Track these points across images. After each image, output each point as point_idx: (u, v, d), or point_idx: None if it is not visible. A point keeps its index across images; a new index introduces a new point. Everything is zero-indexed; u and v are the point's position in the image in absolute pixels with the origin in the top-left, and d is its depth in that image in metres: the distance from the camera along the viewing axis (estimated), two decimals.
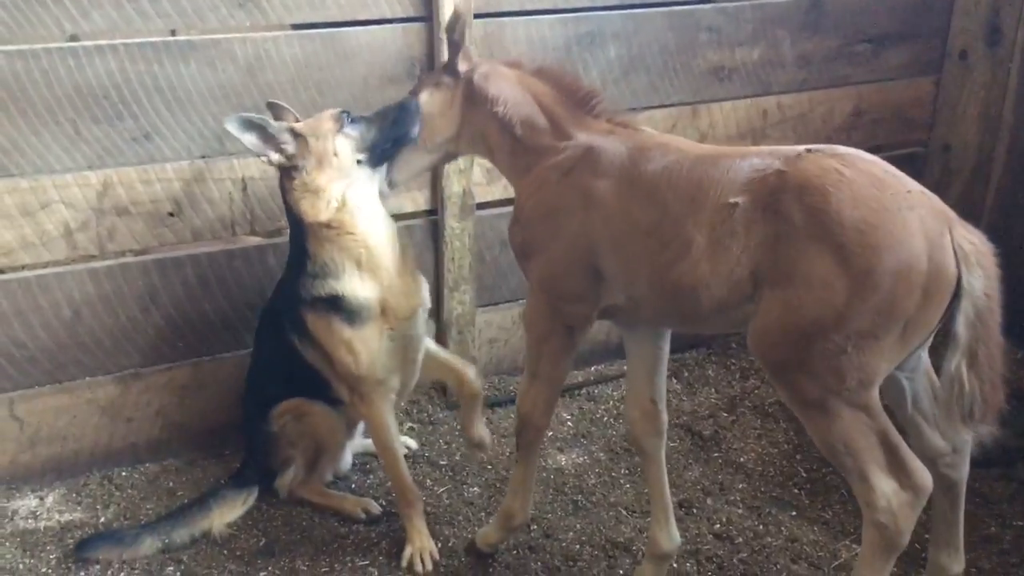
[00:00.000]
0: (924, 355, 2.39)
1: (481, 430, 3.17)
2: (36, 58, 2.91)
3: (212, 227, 3.27)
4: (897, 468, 2.20)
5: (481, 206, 3.61)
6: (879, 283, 2.04)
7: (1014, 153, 4.09)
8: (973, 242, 2.12)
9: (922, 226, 2.06)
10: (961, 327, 2.11)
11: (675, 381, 3.92)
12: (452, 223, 3.53)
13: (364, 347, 2.83)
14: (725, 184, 2.21)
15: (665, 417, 2.71)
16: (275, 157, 2.74)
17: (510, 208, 3.67)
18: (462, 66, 2.73)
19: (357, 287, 2.81)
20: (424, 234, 3.57)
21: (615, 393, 3.82)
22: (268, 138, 2.73)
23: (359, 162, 2.79)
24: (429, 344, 3.17)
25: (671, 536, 2.74)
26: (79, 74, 2.97)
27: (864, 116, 4.13)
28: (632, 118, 2.63)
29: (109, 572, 2.87)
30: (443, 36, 3.25)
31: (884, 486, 2.19)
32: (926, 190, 2.17)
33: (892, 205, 2.06)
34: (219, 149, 3.19)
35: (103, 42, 3.00)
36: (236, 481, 3.16)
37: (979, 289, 2.10)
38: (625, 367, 3.91)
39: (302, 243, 2.84)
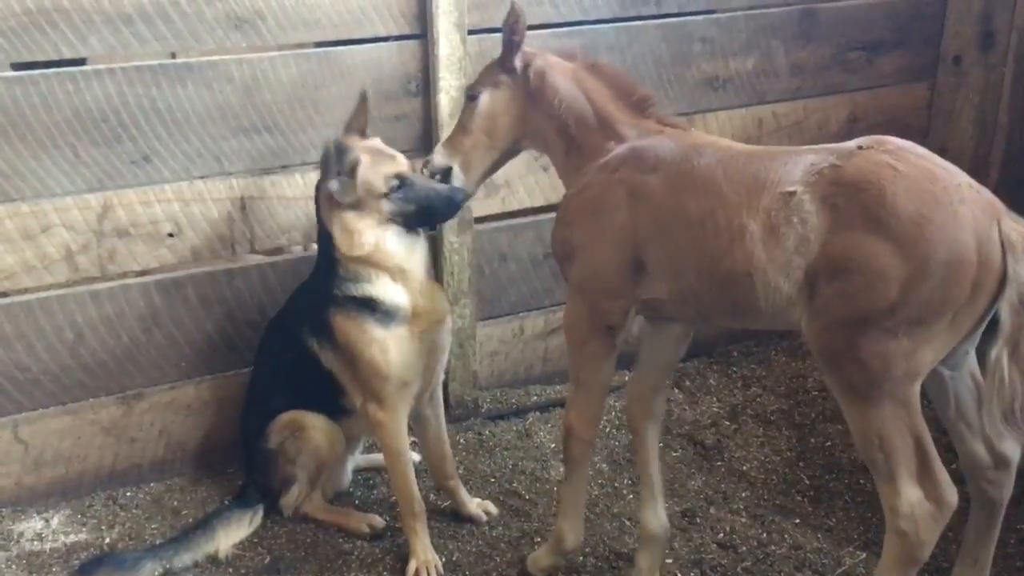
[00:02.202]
0: (970, 355, 2.39)
1: (474, 508, 3.19)
2: (35, 83, 2.94)
3: (212, 247, 3.29)
4: (926, 478, 2.22)
5: (479, 220, 3.62)
6: (932, 273, 2.10)
7: (1009, 157, 4.10)
8: (1021, 232, 2.16)
9: (973, 220, 2.12)
10: (1005, 314, 2.15)
11: (677, 391, 3.92)
12: (451, 237, 3.55)
13: (396, 346, 2.87)
14: (783, 176, 2.28)
15: (663, 406, 2.81)
16: (334, 186, 2.81)
17: (508, 221, 3.74)
18: (518, 62, 2.75)
19: (391, 292, 2.88)
20: None
21: (617, 404, 3.82)
22: (340, 168, 2.80)
23: (393, 222, 2.87)
24: (439, 410, 3.21)
25: (658, 517, 2.77)
26: (78, 98, 2.99)
27: (859, 123, 4.15)
28: (680, 120, 2.71)
29: None
30: (437, 53, 3.29)
31: (910, 493, 2.22)
32: (974, 182, 2.22)
33: (944, 199, 2.12)
34: (218, 169, 3.22)
35: (101, 66, 3.03)
36: (240, 501, 3.17)
37: None
38: (627, 377, 3.95)
39: (332, 253, 2.89)
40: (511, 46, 2.74)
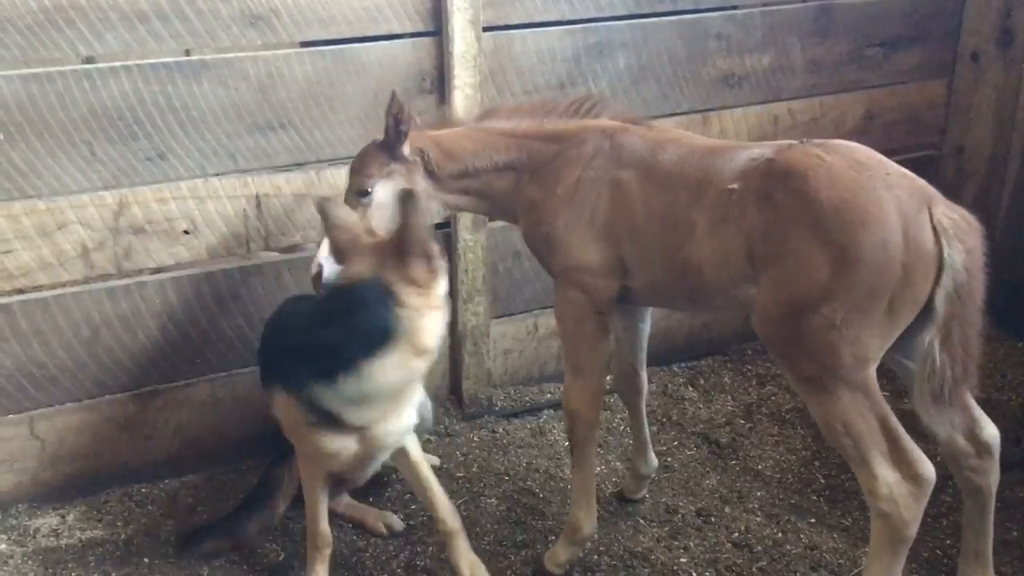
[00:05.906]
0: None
1: (471, 562, 2.81)
2: (51, 81, 2.95)
3: (227, 244, 3.30)
4: (899, 458, 2.25)
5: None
6: (858, 257, 2.12)
7: None
8: (953, 218, 2.18)
9: (898, 204, 2.15)
10: (939, 301, 2.18)
11: (691, 389, 3.91)
12: (465, 235, 3.54)
13: None
14: (726, 172, 2.36)
15: (645, 380, 3.08)
16: None
17: None
18: (407, 149, 2.71)
19: None
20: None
21: None
22: None
23: None
24: (416, 454, 2.85)
25: (648, 462, 3.16)
26: (94, 95, 3.00)
27: (876, 120, 4.12)
28: (638, 116, 2.76)
29: None
30: (452, 51, 3.29)
31: (886, 475, 2.25)
32: (909, 172, 2.25)
33: (868, 184, 2.16)
34: (233, 167, 3.22)
35: (117, 64, 3.03)
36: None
37: (959, 263, 2.16)
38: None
39: None
40: (399, 136, 2.69)
